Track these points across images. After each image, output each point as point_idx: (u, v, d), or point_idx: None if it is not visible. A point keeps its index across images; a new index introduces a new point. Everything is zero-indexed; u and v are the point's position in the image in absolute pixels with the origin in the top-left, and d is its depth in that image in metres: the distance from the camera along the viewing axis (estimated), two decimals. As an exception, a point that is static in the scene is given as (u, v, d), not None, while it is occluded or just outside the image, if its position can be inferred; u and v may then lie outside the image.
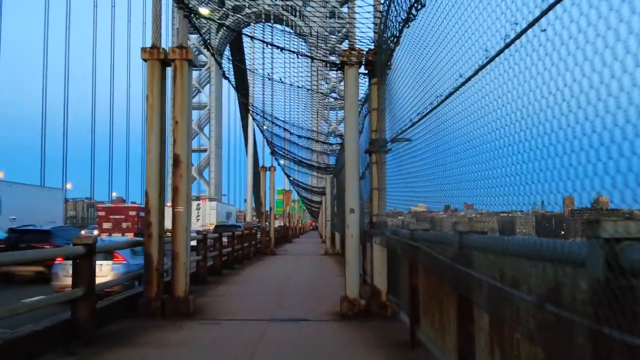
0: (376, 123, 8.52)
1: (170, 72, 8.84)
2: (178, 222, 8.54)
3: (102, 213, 33.88)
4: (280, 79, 14.39)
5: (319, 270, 17.52)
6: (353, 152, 8.60)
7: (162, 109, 8.71)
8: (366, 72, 8.97)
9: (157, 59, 8.62)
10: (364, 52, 8.58)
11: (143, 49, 8.63)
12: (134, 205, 38.26)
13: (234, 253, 17.98)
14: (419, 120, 5.46)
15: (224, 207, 50.68)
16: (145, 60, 8.65)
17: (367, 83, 9.38)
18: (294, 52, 10.01)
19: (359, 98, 9.13)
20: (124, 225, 31.27)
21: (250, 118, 23.29)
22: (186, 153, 8.63)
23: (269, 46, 11.77)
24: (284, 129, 16.30)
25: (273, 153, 25.14)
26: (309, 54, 10.73)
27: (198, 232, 14.71)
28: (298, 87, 12.44)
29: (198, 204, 45.96)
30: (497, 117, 3.77)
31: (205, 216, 45.71)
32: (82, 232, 24.50)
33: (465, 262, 4.25)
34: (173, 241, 8.54)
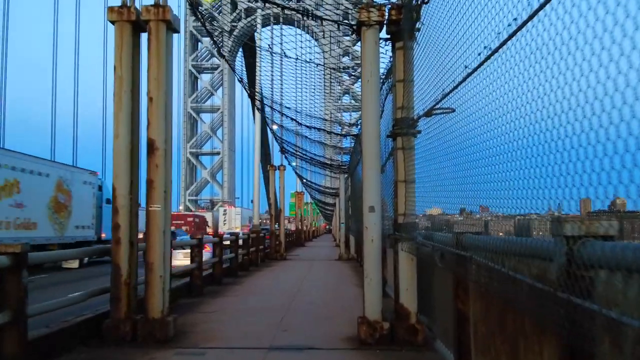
0: (402, 98, 6.71)
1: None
2: (153, 224, 6.80)
3: None
4: (288, 54, 12.73)
5: (333, 278, 15.71)
6: (373, 136, 6.80)
7: (134, 83, 7.00)
8: (388, 36, 7.17)
9: (128, 21, 6.91)
10: (386, 8, 6.78)
11: (110, 9, 6.92)
12: (191, 213, 50.70)
13: (238, 259, 16.22)
14: (474, 71, 3.64)
15: (247, 212, 56.20)
16: (113, 22, 6.95)
17: (387, 54, 7.60)
18: (299, 11, 8.22)
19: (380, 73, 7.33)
20: (184, 228, 37.42)
21: (258, 114, 21.61)
22: (163, 138, 6.89)
23: (284, 17, 10.04)
24: (293, 119, 14.53)
25: (282, 151, 23.40)
26: (322, 16, 8.94)
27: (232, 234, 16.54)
28: (307, 61, 10.69)
29: (225, 210, 53.86)
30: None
31: (231, 220, 52.64)
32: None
33: (580, 289, 2.45)
34: (147, 248, 6.79)
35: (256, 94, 13.72)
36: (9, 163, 18.15)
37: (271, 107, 14.57)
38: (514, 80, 3.00)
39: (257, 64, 15.20)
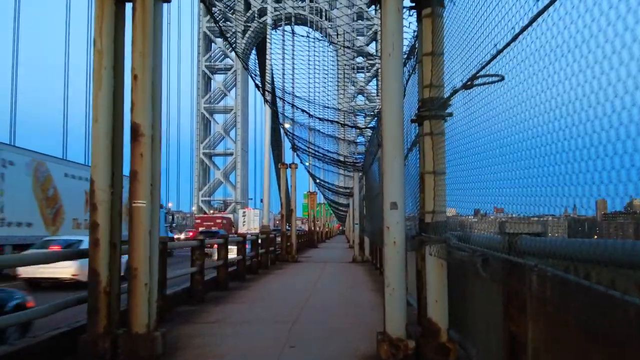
0: (431, 74, 5.66)
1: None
2: (137, 222, 5.81)
3: (198, 221, 48.85)
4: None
5: (347, 282, 14.65)
6: (396, 118, 5.75)
7: (117, 59, 6.03)
8: (413, 4, 6.13)
9: (109, -14, 5.94)
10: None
11: (89, -27, 5.97)
12: (220, 215, 57.72)
13: (245, 262, 15.23)
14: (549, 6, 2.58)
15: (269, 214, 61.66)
16: (92, -11, 5.99)
17: (409, 27, 6.54)
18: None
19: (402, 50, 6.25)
20: (214, 229, 40.72)
21: (268, 109, 20.63)
22: (150, 122, 5.90)
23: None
24: (304, 111, 13.45)
25: (294, 148, 22.36)
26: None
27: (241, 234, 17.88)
28: (320, 39, 9.68)
29: (244, 212, 57.76)
30: None
31: (249, 222, 55.54)
32: (182, 235, 37.08)
33: None
34: (130, 251, 5.81)
35: (267, 83, 12.76)
36: None
37: (282, 99, 13.59)
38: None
39: (268, 54, 14.22)
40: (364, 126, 15.52)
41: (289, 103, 13.56)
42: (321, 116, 13.57)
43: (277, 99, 14.72)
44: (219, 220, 49.32)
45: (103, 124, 5.85)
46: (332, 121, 14.07)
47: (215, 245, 14.69)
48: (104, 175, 5.82)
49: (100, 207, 5.78)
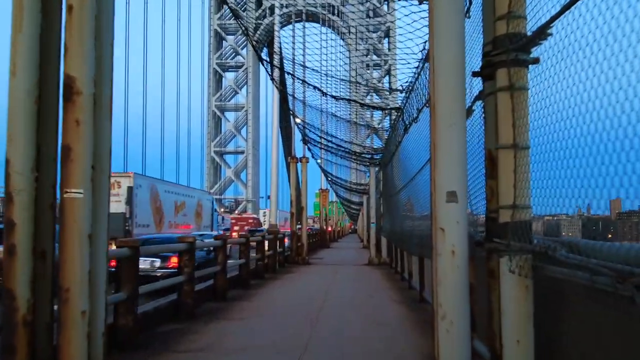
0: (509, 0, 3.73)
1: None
2: (70, 222, 3.95)
3: (233, 221, 53.53)
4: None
5: (364, 290, 12.72)
6: (453, 65, 3.83)
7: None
8: None
9: None
10: None
11: None
12: (251, 215, 61.53)
13: (249, 265, 13.36)
14: None
15: (283, 214, 63.39)
16: None
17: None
18: None
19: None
20: (247, 228, 44.61)
21: (277, 97, 18.73)
22: (91, 75, 4.04)
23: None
24: (316, 88, 11.55)
25: (305, 141, 20.47)
26: None
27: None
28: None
29: (264, 212, 61.97)
30: None
31: (269, 221, 57.96)
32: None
33: None
34: (59, 264, 3.96)
35: (275, 53, 10.95)
36: (183, 192, 33.73)
37: (292, 74, 11.76)
38: None
39: (276, 30, 12.30)
40: (382, 110, 13.53)
41: (299, 80, 11.72)
42: (335, 93, 11.65)
43: (287, 76, 12.95)
44: (250, 220, 54.35)
45: (24, 78, 4.00)
46: (349, 100, 12.12)
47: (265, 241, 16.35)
48: (25, 152, 3.97)
49: (17, 199, 3.93)
